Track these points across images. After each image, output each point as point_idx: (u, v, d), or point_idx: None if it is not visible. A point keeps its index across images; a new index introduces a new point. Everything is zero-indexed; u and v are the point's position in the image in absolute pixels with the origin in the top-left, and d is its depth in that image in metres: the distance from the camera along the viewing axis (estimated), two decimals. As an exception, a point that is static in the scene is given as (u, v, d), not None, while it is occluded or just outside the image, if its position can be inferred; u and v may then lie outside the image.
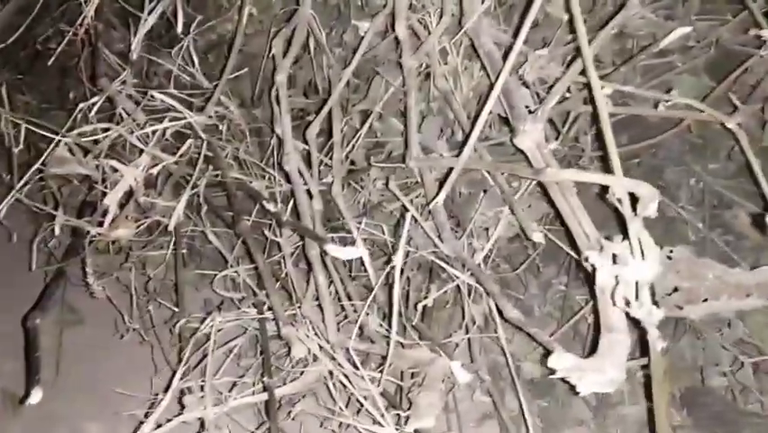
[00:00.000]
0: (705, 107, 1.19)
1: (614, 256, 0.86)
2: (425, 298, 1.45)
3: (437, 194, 1.14)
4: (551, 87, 1.44)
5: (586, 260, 0.98)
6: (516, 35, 1.05)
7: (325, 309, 1.28)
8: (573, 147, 1.56)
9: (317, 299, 1.36)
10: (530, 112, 1.12)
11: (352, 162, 1.61)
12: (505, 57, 1.27)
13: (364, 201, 1.58)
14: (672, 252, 0.99)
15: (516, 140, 1.09)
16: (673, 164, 1.64)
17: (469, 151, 1.07)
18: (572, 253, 1.22)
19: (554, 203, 1.03)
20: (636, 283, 0.83)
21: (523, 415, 1.42)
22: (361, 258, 1.23)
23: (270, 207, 1.36)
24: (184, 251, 1.74)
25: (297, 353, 1.27)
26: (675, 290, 0.99)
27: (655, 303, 0.96)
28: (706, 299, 0.99)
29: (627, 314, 0.88)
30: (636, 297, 0.83)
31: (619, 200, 0.90)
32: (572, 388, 0.94)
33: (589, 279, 0.97)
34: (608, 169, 0.95)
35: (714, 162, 1.62)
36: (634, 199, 0.91)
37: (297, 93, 1.77)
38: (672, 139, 1.56)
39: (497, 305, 1.21)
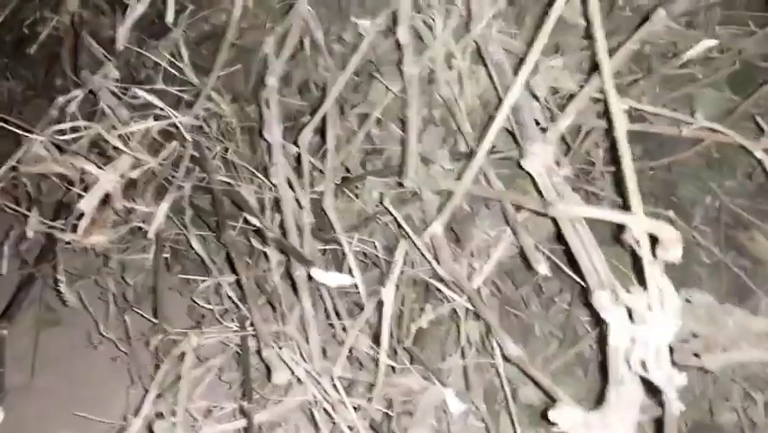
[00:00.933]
0: (730, 132, 1.09)
1: (629, 309, 0.76)
2: (420, 317, 1.36)
3: (435, 220, 1.04)
4: (564, 100, 1.35)
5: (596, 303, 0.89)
6: (529, 44, 0.95)
7: (310, 336, 1.19)
8: (584, 160, 1.47)
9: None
10: (541, 130, 1.02)
11: (347, 169, 1.51)
12: (515, 68, 1.17)
13: (359, 212, 1.48)
14: (690, 296, 0.89)
15: (523, 162, 0.99)
16: (688, 180, 1.55)
17: (472, 174, 0.98)
18: (580, 282, 1.13)
19: (562, 233, 0.94)
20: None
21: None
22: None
23: (255, 221, 1.27)
24: (167, 255, 1.65)
25: (278, 379, 1.18)
26: (693, 336, 0.90)
27: (671, 351, 0.87)
28: (725, 348, 0.90)
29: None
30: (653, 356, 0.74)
31: (637, 242, 0.80)
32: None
33: (595, 315, 0.88)
34: (621, 192, 0.86)
35: (731, 180, 1.53)
36: (653, 240, 0.82)
37: (291, 92, 1.67)
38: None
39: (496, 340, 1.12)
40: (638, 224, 0.79)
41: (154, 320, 1.42)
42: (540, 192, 0.99)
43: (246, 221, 1.32)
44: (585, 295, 1.51)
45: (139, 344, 1.53)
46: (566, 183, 0.95)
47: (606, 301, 0.89)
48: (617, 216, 0.81)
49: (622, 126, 0.85)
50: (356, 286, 1.29)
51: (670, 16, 0.96)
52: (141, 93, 1.38)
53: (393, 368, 1.32)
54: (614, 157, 1.29)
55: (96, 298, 1.66)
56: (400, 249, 1.01)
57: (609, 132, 1.24)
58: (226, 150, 1.63)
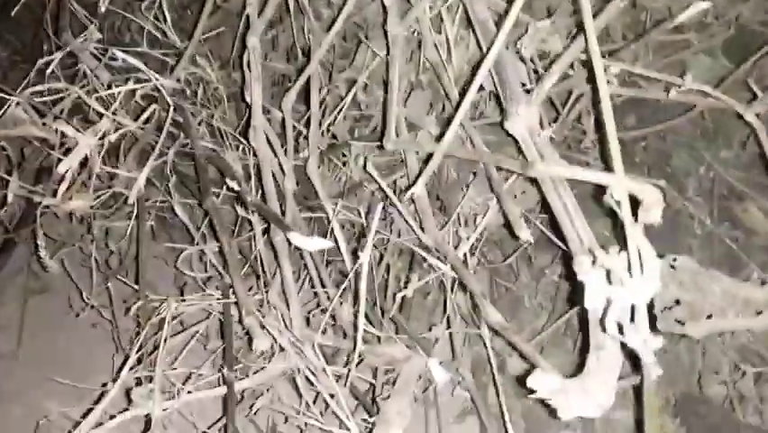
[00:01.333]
0: (722, 96, 1.06)
1: (608, 271, 0.74)
2: (405, 287, 1.34)
3: (414, 182, 1.01)
4: (551, 63, 1.32)
5: (577, 268, 0.86)
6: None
7: (291, 302, 1.16)
8: (574, 128, 1.44)
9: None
10: (526, 92, 0.99)
11: (334, 136, 1.48)
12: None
13: (344, 179, 1.45)
14: (675, 260, 0.87)
15: (507, 124, 0.96)
16: (683, 150, 1.52)
17: (451, 135, 0.95)
18: (565, 248, 1.11)
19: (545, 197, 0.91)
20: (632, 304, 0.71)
21: (502, 414, 1.32)
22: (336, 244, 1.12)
23: (234, 185, 1.24)
24: (152, 224, 1.62)
25: (259, 345, 1.16)
26: (677, 303, 0.88)
27: (653, 318, 0.85)
28: (710, 316, 0.88)
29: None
30: (631, 318, 0.72)
31: (618, 203, 0.77)
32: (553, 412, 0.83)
33: (577, 285, 0.86)
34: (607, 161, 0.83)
35: (726, 151, 1.50)
36: (635, 202, 0.79)
37: (278, 56, 1.63)
38: (682, 122, 1.44)
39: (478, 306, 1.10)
40: (619, 184, 0.76)
41: (136, 287, 1.40)
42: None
43: (228, 187, 1.29)
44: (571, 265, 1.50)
45: (122, 311, 1.51)
46: (550, 145, 0.92)
47: (587, 265, 0.87)
48: (597, 177, 0.78)
49: (603, 84, 0.82)
50: (340, 252, 1.27)
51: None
52: (120, 54, 1.34)
53: (379, 338, 1.30)
54: (601, 131, 1.26)
55: (79, 265, 1.63)
56: (377, 211, 0.98)
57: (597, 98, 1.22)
58: (212, 116, 1.60)
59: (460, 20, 1.31)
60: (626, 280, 0.68)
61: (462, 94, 1.32)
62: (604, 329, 0.70)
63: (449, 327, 1.35)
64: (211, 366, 1.34)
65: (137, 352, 1.20)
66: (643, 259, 0.73)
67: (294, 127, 1.41)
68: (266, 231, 1.39)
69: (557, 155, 0.91)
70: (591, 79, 1.26)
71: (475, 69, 1.34)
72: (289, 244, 1.13)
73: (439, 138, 1.30)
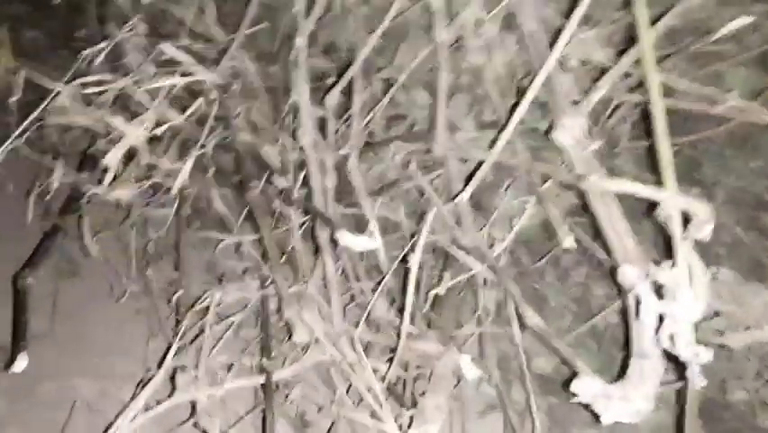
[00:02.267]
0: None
1: (658, 285, 0.77)
2: (438, 284, 1.37)
3: (462, 189, 1.04)
4: (593, 72, 1.34)
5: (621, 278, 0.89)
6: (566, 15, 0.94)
7: (332, 297, 1.20)
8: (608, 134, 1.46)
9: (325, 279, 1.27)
10: (572, 102, 1.01)
11: (371, 134, 1.51)
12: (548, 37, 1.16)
13: (381, 177, 1.48)
14: (717, 272, 0.90)
15: (554, 134, 0.99)
16: (713, 159, 1.54)
17: (502, 144, 0.97)
18: (603, 255, 1.13)
19: (590, 207, 0.94)
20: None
21: (529, 410, 1.35)
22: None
23: (282, 182, 1.27)
24: (188, 212, 1.65)
25: (298, 338, 1.19)
26: (716, 314, 0.91)
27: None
28: (749, 327, 0.91)
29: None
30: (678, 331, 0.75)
31: (669, 219, 0.80)
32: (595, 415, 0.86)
33: (615, 289, 0.89)
34: (648, 167, 0.86)
35: (755, 161, 1.52)
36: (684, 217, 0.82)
37: (316, 52, 1.66)
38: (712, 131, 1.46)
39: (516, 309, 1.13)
40: (672, 201, 0.79)
41: (174, 275, 1.43)
42: (567, 165, 0.99)
43: (269, 181, 1.32)
44: (602, 269, 1.52)
45: (159, 298, 1.55)
46: (594, 157, 0.95)
47: (632, 276, 0.90)
48: (650, 193, 0.81)
49: (659, 102, 0.84)
50: (376, 250, 1.30)
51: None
52: (170, 51, 1.37)
53: (410, 333, 1.33)
54: (647, 131, 1.28)
55: (115, 251, 1.66)
56: (428, 219, 1.01)
57: (639, 106, 1.24)
58: (249, 109, 1.62)
59: (500, 22, 1.34)
60: (678, 294, 0.71)
61: (503, 94, 1.36)
62: (657, 342, 0.74)
63: (479, 324, 1.38)
64: (248, 355, 1.38)
65: (179, 340, 1.23)
66: (693, 274, 0.76)
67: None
68: (302, 224, 1.42)
69: (597, 162, 0.94)
70: (635, 89, 1.30)
71: (516, 72, 1.39)
72: (333, 241, 1.16)
73: (479, 141, 1.34)
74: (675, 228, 0.80)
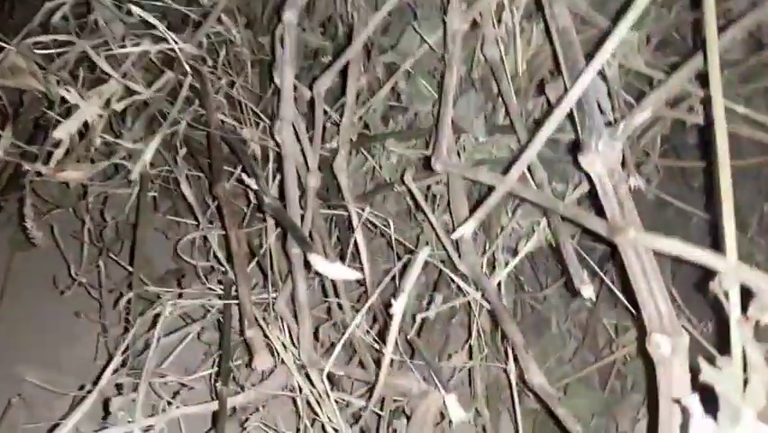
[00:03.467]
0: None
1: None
2: (427, 306, 1.20)
3: (467, 219, 0.86)
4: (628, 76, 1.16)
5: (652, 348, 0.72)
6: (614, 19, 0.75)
7: (302, 323, 1.02)
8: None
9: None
10: (608, 123, 0.83)
11: (366, 125, 1.32)
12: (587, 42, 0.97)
13: (372, 177, 1.30)
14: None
15: (582, 159, 0.80)
16: (747, 181, 1.36)
17: (517, 173, 0.79)
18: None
19: (621, 256, 0.76)
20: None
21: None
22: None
23: (252, 183, 1.08)
24: (155, 194, 1.47)
25: (259, 363, 1.02)
26: None
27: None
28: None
29: None
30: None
31: (726, 293, 0.63)
32: None
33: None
34: (713, 202, 0.68)
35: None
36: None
37: (313, 26, 1.46)
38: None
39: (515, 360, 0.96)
40: (733, 272, 0.61)
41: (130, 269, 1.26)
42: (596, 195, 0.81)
43: (240, 179, 1.14)
44: (614, 297, 1.35)
45: (112, 293, 1.37)
46: (630, 196, 0.77)
47: (666, 349, 0.73)
48: (706, 258, 0.63)
49: (723, 135, 0.66)
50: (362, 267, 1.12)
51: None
52: (136, 11, 1.18)
53: (391, 361, 1.17)
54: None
55: (69, 234, 1.47)
56: (421, 255, 0.83)
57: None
58: (232, 84, 1.43)
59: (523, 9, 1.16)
60: (743, 416, 0.54)
61: (520, 96, 1.18)
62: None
63: (470, 356, 1.21)
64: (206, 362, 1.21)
65: (123, 352, 1.06)
66: (752, 368, 0.59)
67: (324, 112, 1.26)
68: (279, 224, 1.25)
69: (632, 202, 0.76)
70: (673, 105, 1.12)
71: (537, 70, 1.20)
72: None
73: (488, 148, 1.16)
74: (733, 306, 0.62)
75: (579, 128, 0.84)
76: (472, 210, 0.90)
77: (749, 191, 1.37)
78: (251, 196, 1.29)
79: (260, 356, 1.03)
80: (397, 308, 0.80)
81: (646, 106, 0.80)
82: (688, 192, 1.43)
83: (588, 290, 0.84)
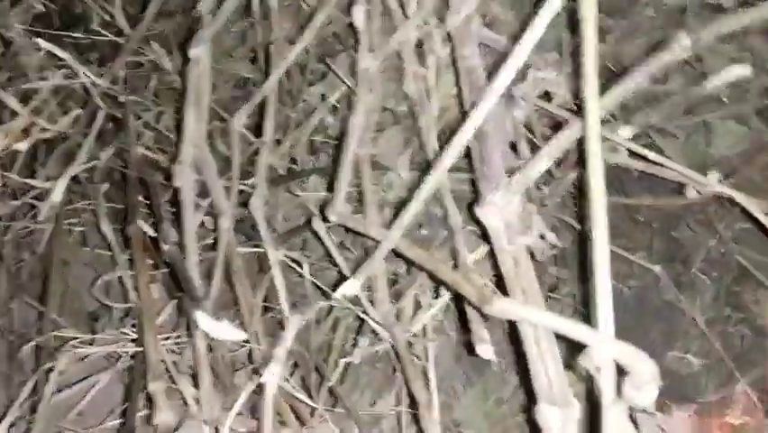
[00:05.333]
0: (742, 200, 0.85)
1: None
2: (351, 350, 1.14)
3: (356, 273, 0.80)
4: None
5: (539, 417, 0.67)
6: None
7: (202, 382, 0.96)
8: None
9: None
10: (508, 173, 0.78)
11: (293, 160, 1.27)
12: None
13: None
14: None
15: (477, 210, 0.75)
16: (694, 215, 1.31)
17: (398, 232, 0.74)
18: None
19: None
20: None
21: None
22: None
23: (147, 228, 1.03)
24: (82, 228, 1.42)
25: (160, 419, 0.96)
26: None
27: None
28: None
29: None
30: None
31: (598, 369, 0.58)
32: None
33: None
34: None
35: (744, 222, 1.29)
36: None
37: (244, 53, 1.41)
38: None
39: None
40: (603, 347, 0.56)
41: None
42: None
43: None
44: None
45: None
46: (527, 252, 0.72)
47: (554, 421, 0.67)
48: (575, 331, 0.58)
49: (600, 192, 0.61)
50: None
51: (695, 46, 0.71)
52: (43, 44, 1.12)
53: (312, 411, 1.11)
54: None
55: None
56: (294, 320, 0.78)
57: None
58: (160, 115, 1.38)
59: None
60: None
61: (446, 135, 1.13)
62: None
63: (398, 403, 1.16)
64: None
65: (20, 405, 1.00)
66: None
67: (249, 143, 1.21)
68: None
69: (532, 270, 0.70)
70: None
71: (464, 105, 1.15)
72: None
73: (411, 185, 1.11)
74: (605, 384, 0.57)
75: (476, 176, 0.80)
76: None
77: (695, 226, 1.32)
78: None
79: (162, 412, 0.97)
80: (270, 378, 0.74)
81: (543, 157, 0.75)
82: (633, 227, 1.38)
83: (486, 351, 0.79)
